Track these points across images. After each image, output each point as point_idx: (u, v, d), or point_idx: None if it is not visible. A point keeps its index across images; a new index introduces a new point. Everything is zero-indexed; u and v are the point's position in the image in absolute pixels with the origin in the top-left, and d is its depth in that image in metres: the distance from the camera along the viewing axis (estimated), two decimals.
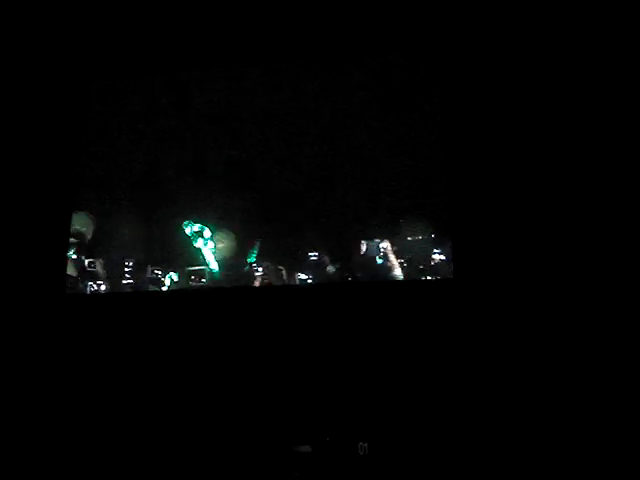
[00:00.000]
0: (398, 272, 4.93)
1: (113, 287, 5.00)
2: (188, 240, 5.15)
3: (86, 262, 5.06)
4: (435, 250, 4.84)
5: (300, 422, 4.20)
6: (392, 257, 4.98)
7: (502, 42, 4.86)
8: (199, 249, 5.20)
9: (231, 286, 4.91)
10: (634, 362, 4.10)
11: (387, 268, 4.94)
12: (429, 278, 4.71)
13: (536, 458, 4.04)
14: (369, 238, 4.97)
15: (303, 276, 4.91)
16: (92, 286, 4.99)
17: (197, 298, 4.83)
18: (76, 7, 5.33)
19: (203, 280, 5.15)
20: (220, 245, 5.08)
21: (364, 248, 5.01)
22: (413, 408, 4.24)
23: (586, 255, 4.31)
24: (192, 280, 5.10)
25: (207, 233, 5.29)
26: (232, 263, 5.04)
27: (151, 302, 4.88)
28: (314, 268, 4.97)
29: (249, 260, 5.05)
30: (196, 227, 5.24)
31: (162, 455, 4.29)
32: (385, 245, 5.00)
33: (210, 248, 5.20)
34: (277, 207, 5.10)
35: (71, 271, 4.99)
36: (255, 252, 5.03)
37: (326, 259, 4.80)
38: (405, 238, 4.90)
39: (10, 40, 5.37)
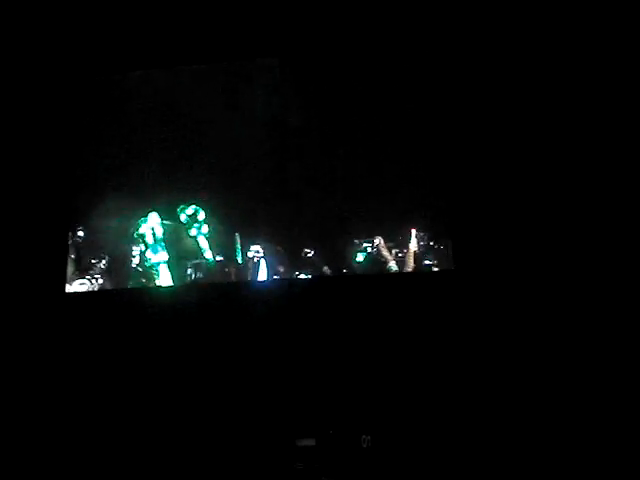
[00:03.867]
0: (392, 264, 4.95)
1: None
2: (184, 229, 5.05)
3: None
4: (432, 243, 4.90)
5: (303, 416, 4.20)
6: (385, 252, 4.98)
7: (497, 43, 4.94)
8: (194, 237, 5.08)
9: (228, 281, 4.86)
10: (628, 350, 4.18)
11: (381, 263, 4.94)
12: (433, 267, 4.73)
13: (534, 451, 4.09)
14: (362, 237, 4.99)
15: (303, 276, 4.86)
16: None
17: (199, 292, 4.78)
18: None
19: (199, 274, 5.11)
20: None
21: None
22: (416, 400, 4.27)
23: (582, 247, 4.39)
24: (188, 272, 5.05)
25: (201, 215, 5.10)
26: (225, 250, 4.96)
27: (148, 298, 4.84)
28: (310, 266, 4.96)
29: (236, 257, 4.96)
30: (190, 210, 5.09)
31: (165, 447, 4.23)
32: (377, 241, 5.00)
33: (204, 233, 5.07)
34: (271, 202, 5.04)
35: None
36: (238, 246, 4.93)
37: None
38: (402, 234, 4.94)
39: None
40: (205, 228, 4.99)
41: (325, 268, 4.92)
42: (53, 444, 4.41)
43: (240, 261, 4.97)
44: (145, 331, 4.60)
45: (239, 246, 4.97)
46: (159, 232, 5.06)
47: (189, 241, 5.01)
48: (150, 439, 4.31)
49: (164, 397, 4.42)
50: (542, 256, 4.42)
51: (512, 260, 4.47)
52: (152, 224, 5.09)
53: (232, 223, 5.04)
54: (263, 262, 4.96)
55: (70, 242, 5.07)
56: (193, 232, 5.01)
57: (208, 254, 4.96)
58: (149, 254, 4.95)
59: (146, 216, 5.11)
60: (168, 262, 5.04)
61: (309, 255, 4.95)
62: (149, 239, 5.02)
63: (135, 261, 5.01)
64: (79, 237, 5.13)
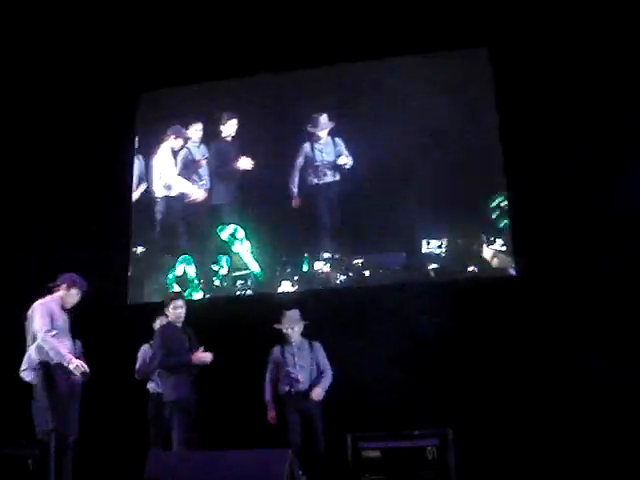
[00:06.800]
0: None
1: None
2: (227, 246, 5.43)
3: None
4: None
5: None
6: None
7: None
8: (238, 253, 5.42)
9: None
10: None
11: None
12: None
13: None
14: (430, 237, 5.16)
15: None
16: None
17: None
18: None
19: (248, 283, 5.38)
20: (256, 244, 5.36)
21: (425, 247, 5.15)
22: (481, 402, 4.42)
23: None
24: (238, 285, 5.40)
25: (240, 233, 5.43)
26: (271, 262, 5.34)
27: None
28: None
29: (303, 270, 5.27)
30: (230, 229, 5.45)
31: None
32: (446, 243, 5.11)
33: (247, 248, 5.39)
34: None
35: None
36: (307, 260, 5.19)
37: None
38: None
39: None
40: (247, 244, 5.45)
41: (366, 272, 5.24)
42: None
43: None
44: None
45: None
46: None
47: (235, 257, 5.49)
48: None
49: None
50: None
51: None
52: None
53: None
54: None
55: None
56: (236, 247, 5.47)
57: (254, 267, 5.43)
58: None
59: None
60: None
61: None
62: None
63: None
64: None
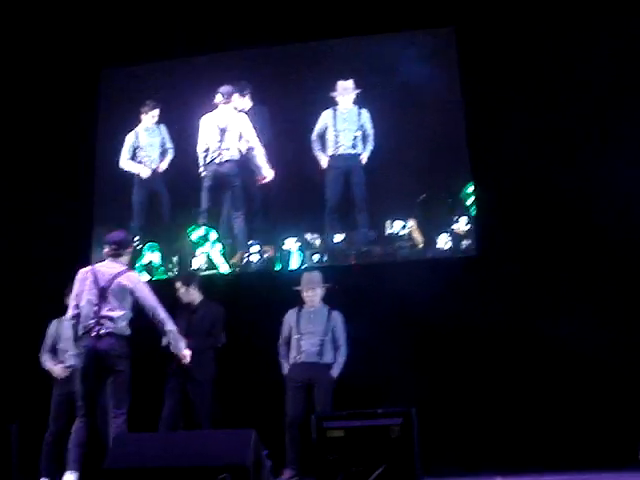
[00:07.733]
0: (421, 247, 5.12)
1: None
2: (196, 247, 5.39)
3: None
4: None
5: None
6: (416, 234, 5.12)
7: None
8: (207, 253, 5.37)
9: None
10: None
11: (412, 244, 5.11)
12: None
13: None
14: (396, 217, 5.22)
15: None
16: None
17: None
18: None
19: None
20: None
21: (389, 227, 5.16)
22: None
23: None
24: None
25: (213, 236, 5.39)
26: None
27: None
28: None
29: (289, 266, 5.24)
30: (201, 231, 5.40)
31: None
32: (411, 224, 5.13)
33: (218, 250, 5.36)
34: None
35: None
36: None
37: None
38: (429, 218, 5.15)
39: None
40: (218, 246, 5.42)
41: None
42: None
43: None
44: None
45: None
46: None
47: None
48: None
49: None
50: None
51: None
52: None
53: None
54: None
55: None
56: (205, 249, 5.42)
57: (224, 267, 5.39)
58: None
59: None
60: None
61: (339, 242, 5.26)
62: None
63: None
64: None
